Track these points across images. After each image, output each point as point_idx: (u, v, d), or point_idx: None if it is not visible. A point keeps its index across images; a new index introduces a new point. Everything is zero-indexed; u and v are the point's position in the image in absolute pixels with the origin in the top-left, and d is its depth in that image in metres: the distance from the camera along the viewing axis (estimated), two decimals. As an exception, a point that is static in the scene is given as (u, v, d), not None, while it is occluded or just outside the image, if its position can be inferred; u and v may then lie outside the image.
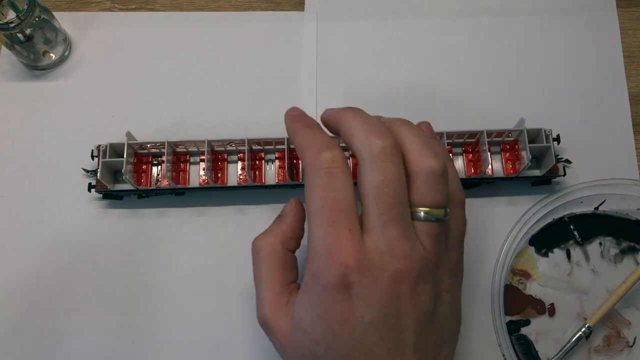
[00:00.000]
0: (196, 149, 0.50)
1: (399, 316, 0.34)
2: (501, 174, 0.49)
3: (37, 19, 0.51)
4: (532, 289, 0.48)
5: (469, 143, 0.50)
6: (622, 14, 0.57)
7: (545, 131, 0.48)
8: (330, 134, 0.40)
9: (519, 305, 0.47)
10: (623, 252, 0.49)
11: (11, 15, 0.51)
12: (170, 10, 0.59)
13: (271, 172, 0.50)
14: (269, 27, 0.58)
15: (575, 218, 0.50)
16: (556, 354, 0.46)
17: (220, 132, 0.54)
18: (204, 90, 0.56)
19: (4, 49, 0.56)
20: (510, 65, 0.56)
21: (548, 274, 0.48)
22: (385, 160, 0.34)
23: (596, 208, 0.50)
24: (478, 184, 0.51)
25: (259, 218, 0.51)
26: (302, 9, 0.59)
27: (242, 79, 0.56)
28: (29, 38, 0.53)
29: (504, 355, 0.45)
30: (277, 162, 0.50)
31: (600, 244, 0.49)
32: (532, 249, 0.49)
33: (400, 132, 0.37)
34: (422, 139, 0.37)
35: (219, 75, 0.56)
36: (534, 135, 0.49)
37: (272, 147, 0.50)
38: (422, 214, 0.35)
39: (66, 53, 0.56)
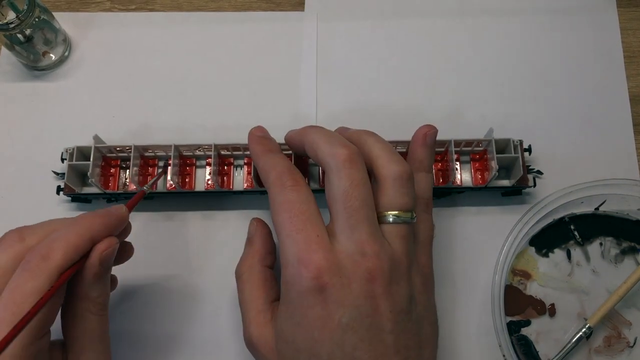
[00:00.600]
0: (164, 154, 0.50)
1: (375, 315, 0.35)
2: (470, 184, 0.49)
3: (37, 19, 0.51)
4: (533, 289, 0.48)
5: (439, 152, 0.50)
6: (623, 14, 0.57)
7: (513, 141, 0.48)
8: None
9: (519, 305, 0.47)
10: (623, 253, 0.49)
11: (11, 15, 0.51)
12: (170, 10, 0.59)
13: (239, 178, 0.50)
14: (268, 27, 0.58)
15: (575, 218, 0.49)
16: (557, 355, 0.46)
17: (220, 132, 0.54)
18: (204, 90, 0.55)
19: (3, 49, 0.56)
20: (510, 64, 0.56)
21: (548, 274, 0.48)
22: (350, 167, 0.36)
23: (596, 208, 0.50)
24: (448, 194, 0.51)
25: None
26: (302, 9, 0.59)
27: (242, 79, 0.56)
28: (28, 38, 0.53)
29: (504, 355, 0.45)
30: (245, 168, 0.50)
31: (601, 244, 0.49)
32: (533, 249, 0.49)
33: (368, 142, 0.39)
34: (388, 147, 0.39)
35: (219, 75, 0.56)
36: (504, 146, 0.49)
37: (240, 152, 0.49)
38: (390, 217, 0.37)
39: (66, 53, 0.56)
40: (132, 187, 0.49)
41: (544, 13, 0.57)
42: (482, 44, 0.57)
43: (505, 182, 0.49)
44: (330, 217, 0.37)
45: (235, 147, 0.49)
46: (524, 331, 0.47)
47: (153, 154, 0.50)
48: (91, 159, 0.48)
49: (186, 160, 0.50)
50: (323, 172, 0.48)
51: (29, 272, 0.33)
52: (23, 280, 0.33)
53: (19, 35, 0.52)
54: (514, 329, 0.47)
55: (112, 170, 0.50)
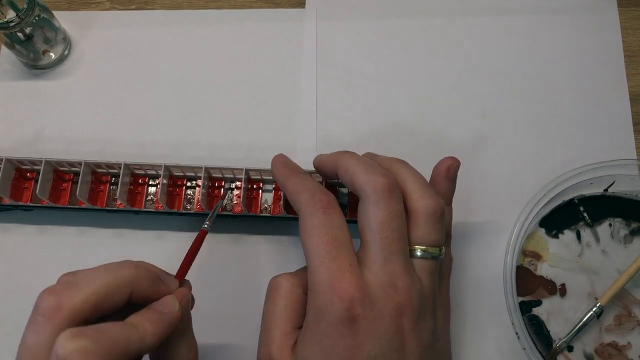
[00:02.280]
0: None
1: (402, 350, 0.34)
2: None
3: (37, 18, 0.51)
4: (543, 270, 0.48)
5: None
6: (623, 14, 0.57)
7: None
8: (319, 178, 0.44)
9: (530, 286, 0.47)
10: (633, 233, 0.49)
11: (11, 14, 0.51)
12: (170, 9, 0.59)
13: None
14: (268, 25, 0.58)
15: (584, 200, 0.50)
16: (568, 334, 0.46)
17: (221, 132, 0.54)
18: (204, 89, 0.55)
19: (3, 48, 0.56)
20: (510, 64, 0.56)
21: (558, 255, 0.48)
22: (390, 197, 0.36)
23: (605, 189, 0.50)
24: None
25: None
26: (303, 7, 0.58)
27: (242, 77, 0.56)
28: (28, 37, 0.53)
29: (517, 333, 0.45)
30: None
31: (610, 225, 0.49)
32: (543, 230, 0.49)
33: (401, 172, 0.39)
34: (423, 180, 0.39)
35: (218, 73, 0.56)
36: None
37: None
38: (419, 251, 0.37)
39: (66, 52, 0.56)
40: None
41: (544, 13, 0.57)
42: (482, 43, 0.57)
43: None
44: (362, 246, 0.36)
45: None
46: (535, 311, 0.47)
47: (68, 169, 0.49)
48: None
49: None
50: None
51: None
52: None
53: (19, 34, 0.52)
54: (525, 309, 0.47)
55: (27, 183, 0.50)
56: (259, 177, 0.49)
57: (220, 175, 0.49)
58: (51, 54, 0.55)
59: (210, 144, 0.53)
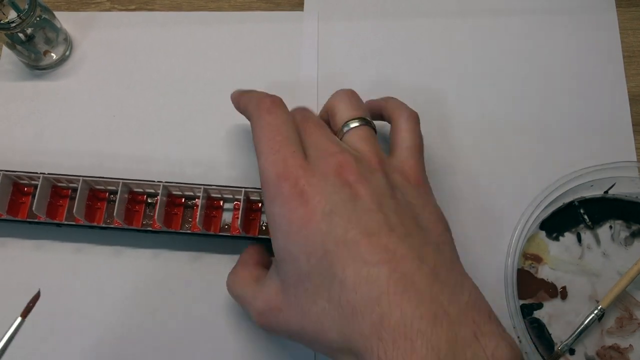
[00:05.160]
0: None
1: (357, 199, 0.35)
2: None
3: (38, 18, 0.51)
4: (544, 272, 0.48)
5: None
6: (622, 14, 0.57)
7: None
8: None
9: (531, 289, 0.47)
10: (633, 235, 0.49)
11: (12, 15, 0.51)
12: (170, 10, 0.59)
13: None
14: (268, 27, 0.58)
15: (585, 202, 0.50)
16: (569, 337, 0.46)
17: (221, 132, 0.54)
18: (204, 89, 0.55)
19: (5, 48, 0.56)
20: (510, 64, 0.55)
21: (559, 257, 0.48)
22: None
23: (606, 192, 0.50)
24: None
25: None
26: (302, 9, 0.58)
27: (242, 78, 0.56)
28: (30, 38, 0.53)
29: (518, 337, 0.45)
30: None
31: (611, 227, 0.49)
32: (543, 233, 0.49)
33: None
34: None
35: (219, 74, 0.56)
36: None
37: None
38: (347, 126, 0.41)
39: (67, 53, 0.56)
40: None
41: (544, 13, 0.57)
42: (481, 43, 0.56)
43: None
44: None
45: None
46: (536, 314, 0.47)
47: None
48: None
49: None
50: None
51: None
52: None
53: (20, 35, 0.52)
54: (526, 312, 0.47)
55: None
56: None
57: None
58: (52, 54, 0.55)
59: (211, 144, 0.53)
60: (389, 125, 0.45)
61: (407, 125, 0.43)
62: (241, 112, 0.44)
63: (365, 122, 0.41)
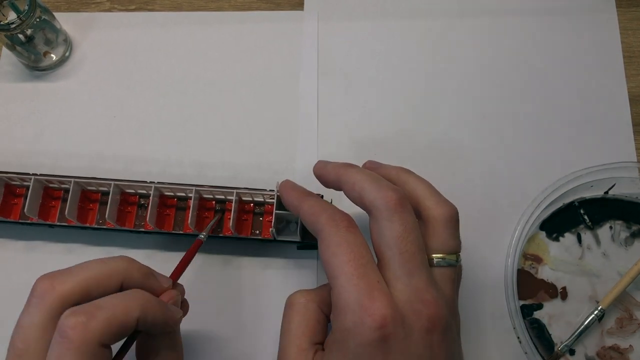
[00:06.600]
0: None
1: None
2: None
3: (38, 19, 0.51)
4: (544, 273, 0.48)
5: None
6: (622, 14, 0.57)
7: None
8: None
9: (531, 289, 0.47)
10: (633, 236, 0.49)
11: (12, 16, 0.51)
12: (170, 10, 0.59)
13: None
14: (268, 27, 0.58)
15: (585, 202, 0.50)
16: (570, 337, 0.46)
17: (221, 132, 0.54)
18: (204, 89, 0.55)
19: (4, 49, 0.56)
20: (510, 66, 0.55)
21: (559, 258, 0.48)
22: (402, 210, 0.35)
23: (606, 192, 0.50)
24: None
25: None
26: (302, 9, 0.58)
27: (243, 78, 0.56)
28: (29, 39, 0.53)
29: (519, 338, 0.45)
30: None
31: (611, 227, 0.49)
32: (543, 233, 0.49)
33: (409, 182, 0.39)
34: (432, 187, 0.39)
35: (219, 75, 0.56)
36: None
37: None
38: (439, 260, 0.37)
39: (67, 54, 0.56)
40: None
41: (544, 13, 0.57)
42: (481, 44, 0.56)
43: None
44: (381, 264, 0.35)
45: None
46: (537, 314, 0.47)
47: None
48: None
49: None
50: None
51: (67, 345, 0.31)
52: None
53: (20, 36, 0.52)
54: (526, 312, 0.47)
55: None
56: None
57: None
58: (52, 55, 0.55)
59: (211, 144, 0.54)
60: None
61: (446, 229, 0.38)
62: (301, 214, 0.39)
63: (457, 260, 0.38)
